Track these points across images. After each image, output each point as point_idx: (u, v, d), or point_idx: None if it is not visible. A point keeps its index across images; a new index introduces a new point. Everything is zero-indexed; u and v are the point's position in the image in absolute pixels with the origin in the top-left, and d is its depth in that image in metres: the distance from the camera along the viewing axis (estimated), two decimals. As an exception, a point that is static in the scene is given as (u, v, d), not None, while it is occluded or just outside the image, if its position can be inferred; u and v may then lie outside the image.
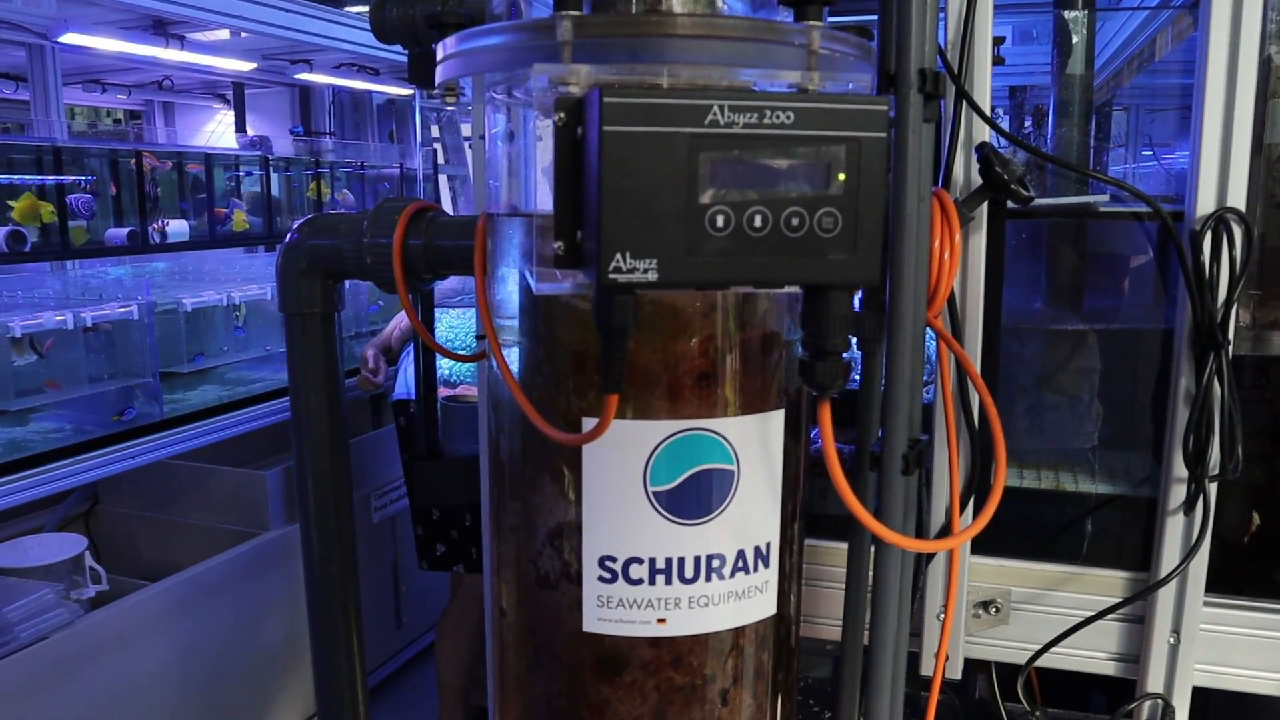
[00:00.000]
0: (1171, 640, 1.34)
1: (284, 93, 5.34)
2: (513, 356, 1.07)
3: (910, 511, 1.14)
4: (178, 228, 3.48)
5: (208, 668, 3.03)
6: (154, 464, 3.06)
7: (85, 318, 2.66)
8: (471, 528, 3.03)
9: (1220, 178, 1.22)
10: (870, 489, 1.14)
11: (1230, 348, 1.23)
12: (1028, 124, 2.97)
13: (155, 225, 3.44)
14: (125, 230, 3.26)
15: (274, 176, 4.09)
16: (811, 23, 0.87)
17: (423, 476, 1.59)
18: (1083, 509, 1.45)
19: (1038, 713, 1.43)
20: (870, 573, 1.18)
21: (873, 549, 1.18)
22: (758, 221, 0.76)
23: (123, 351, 2.86)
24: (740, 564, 1.01)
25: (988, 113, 1.24)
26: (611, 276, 0.76)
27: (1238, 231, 1.21)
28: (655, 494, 0.98)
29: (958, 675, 1.42)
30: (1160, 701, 1.35)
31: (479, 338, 1.15)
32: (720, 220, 0.76)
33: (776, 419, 1.02)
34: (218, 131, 5.92)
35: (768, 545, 1.03)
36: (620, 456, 0.97)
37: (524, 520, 1.06)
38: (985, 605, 1.41)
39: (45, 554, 2.97)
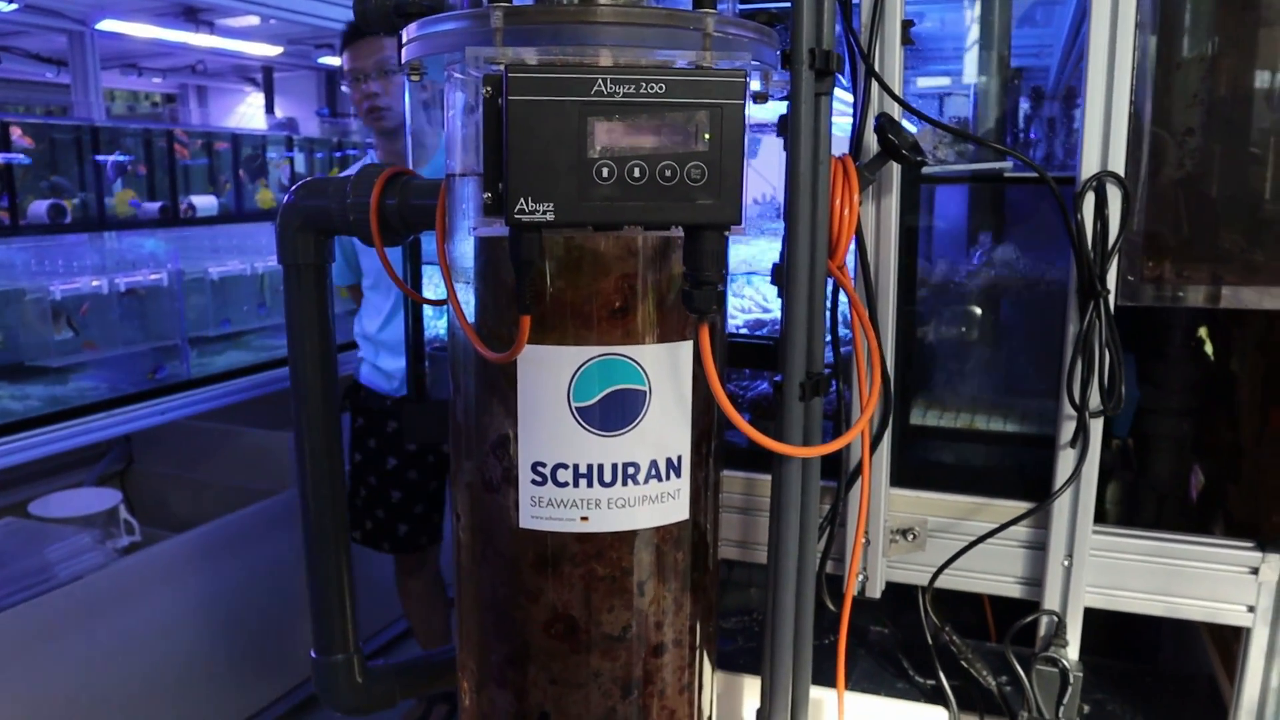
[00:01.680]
0: (1065, 563, 1.50)
1: (311, 76, 5.55)
2: (470, 298, 1.25)
3: (814, 435, 1.31)
4: (206, 203, 3.70)
5: (231, 613, 3.25)
6: (184, 426, 3.29)
7: (120, 284, 2.88)
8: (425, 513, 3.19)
9: (1102, 144, 1.37)
10: (796, 418, 1.30)
11: (1110, 297, 1.39)
12: (1024, 104, 3.10)
13: (184, 206, 3.66)
14: (157, 205, 3.48)
15: (300, 156, 4.31)
16: (707, 10, 1.05)
17: (411, 417, 1.77)
18: (992, 445, 1.62)
19: (946, 628, 1.60)
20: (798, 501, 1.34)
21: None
22: (637, 173, 0.94)
23: (154, 316, 3.09)
24: (654, 472, 1.19)
25: (897, 90, 1.41)
26: (517, 217, 0.94)
27: (1116, 193, 1.37)
28: (578, 409, 1.15)
29: (877, 595, 1.59)
30: (1055, 617, 1.51)
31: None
32: (605, 172, 0.94)
33: (685, 348, 1.19)
34: (248, 114, 6.15)
35: (679, 458, 1.21)
36: (548, 377, 1.15)
37: (475, 437, 1.25)
38: (904, 532, 1.58)
39: (83, 506, 3.21)
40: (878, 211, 1.44)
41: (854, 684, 1.76)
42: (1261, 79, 1.43)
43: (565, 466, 1.17)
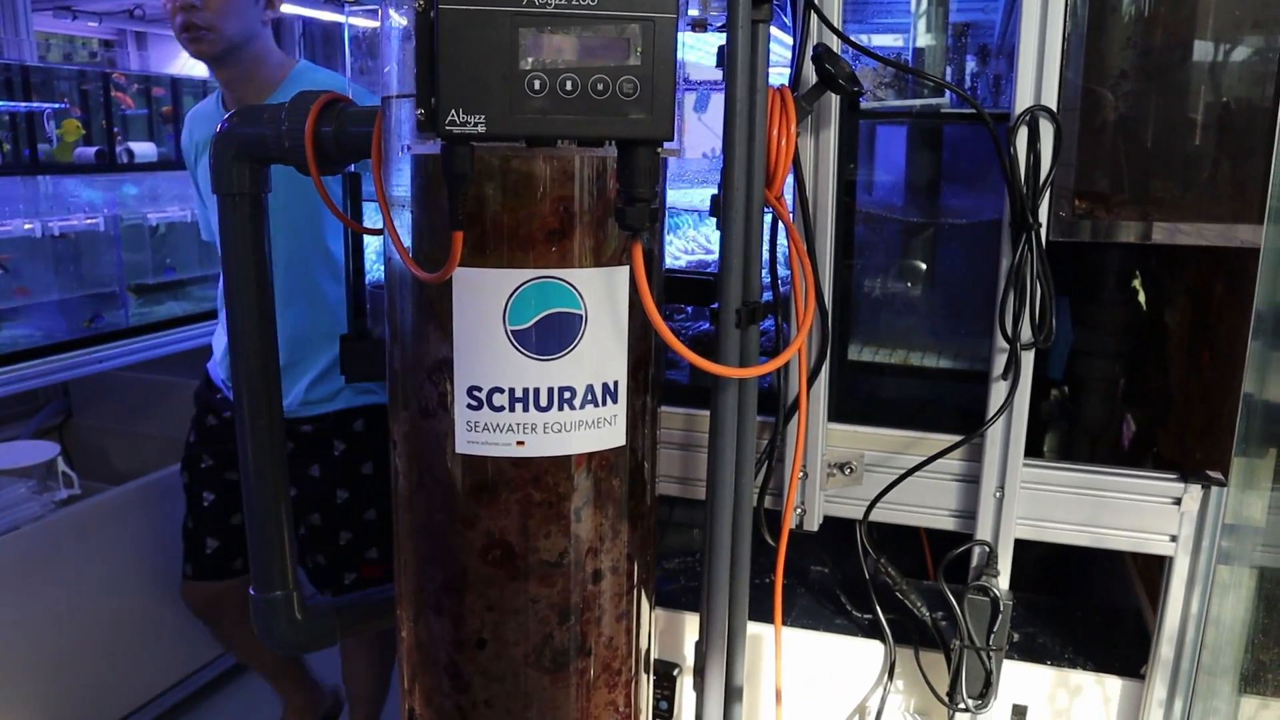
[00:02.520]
0: (997, 495, 1.53)
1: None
2: (408, 225, 1.24)
3: (749, 360, 1.32)
4: (145, 149, 3.63)
5: (172, 567, 3.21)
6: (123, 378, 3.23)
7: (53, 227, 2.82)
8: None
9: (1036, 79, 1.39)
10: (733, 344, 1.31)
11: (1043, 231, 1.41)
12: (971, 61, 3.12)
13: (120, 151, 3.58)
14: (93, 150, 3.40)
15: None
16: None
17: (350, 354, 1.76)
18: (928, 381, 1.64)
19: (882, 560, 1.63)
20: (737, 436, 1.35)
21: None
22: (569, 85, 0.94)
23: (91, 262, 3.03)
24: (590, 397, 1.20)
25: (836, 23, 1.41)
26: (448, 128, 0.93)
27: (1048, 128, 1.39)
28: (514, 333, 1.15)
29: (814, 527, 1.61)
30: (986, 547, 1.54)
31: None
32: (537, 84, 0.93)
33: (622, 274, 1.19)
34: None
35: (615, 383, 1.21)
36: (484, 301, 1.15)
37: (412, 363, 1.24)
38: (841, 467, 1.60)
39: (20, 458, 3.14)
40: (816, 145, 1.45)
41: (793, 620, 1.79)
42: (1194, 27, 1.45)
43: (501, 390, 1.17)
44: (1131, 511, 1.51)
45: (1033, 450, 1.54)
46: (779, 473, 1.57)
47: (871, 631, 1.73)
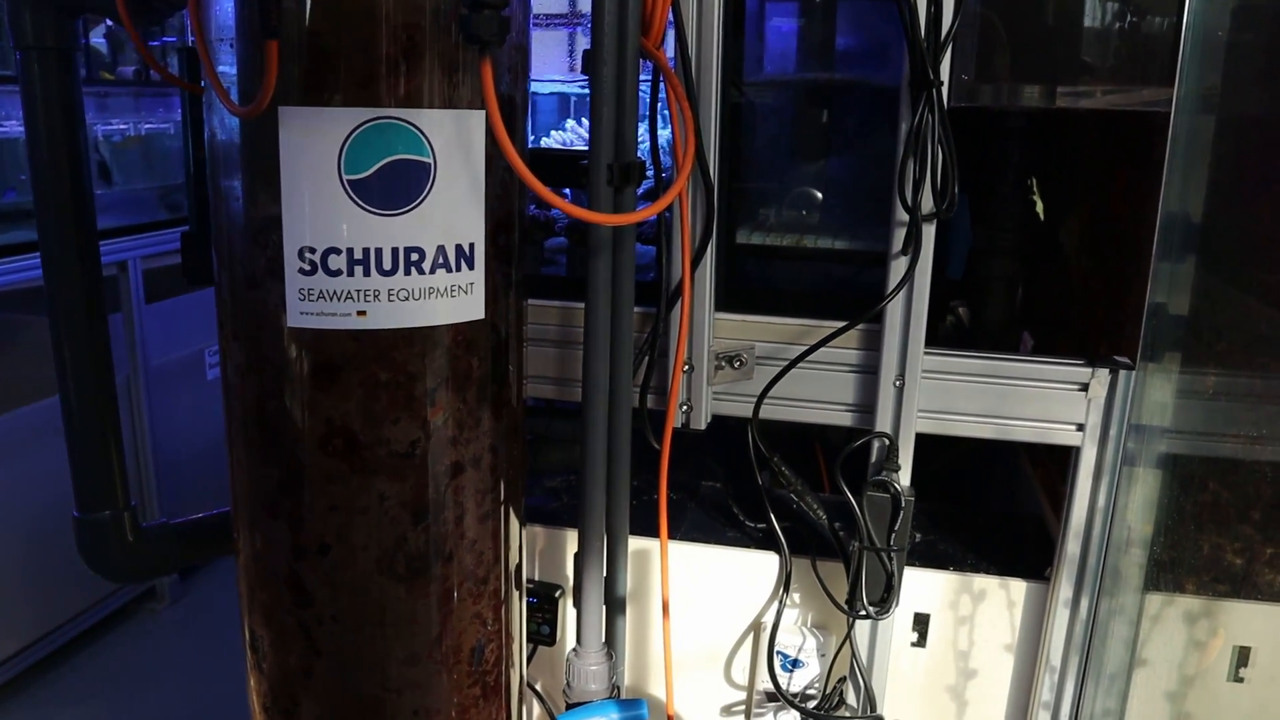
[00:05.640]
0: (897, 384, 1.42)
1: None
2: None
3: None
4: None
5: (25, 518, 2.98)
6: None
7: None
8: None
9: (938, -76, 1.27)
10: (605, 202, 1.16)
11: (944, 90, 1.29)
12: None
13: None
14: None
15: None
16: None
17: (193, 252, 1.57)
18: (820, 264, 1.52)
19: (775, 458, 1.51)
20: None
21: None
22: None
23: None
24: (441, 260, 1.04)
25: None
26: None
27: (950, -22, 1.27)
28: (350, 183, 0.99)
29: (702, 426, 1.48)
30: (886, 440, 1.44)
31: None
32: None
33: (478, 118, 1.04)
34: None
35: (471, 246, 1.06)
36: (315, 144, 0.98)
37: (236, 222, 1.07)
38: (730, 359, 1.48)
39: None
40: (699, -2, 1.30)
41: (684, 534, 1.67)
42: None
43: (338, 252, 1.01)
44: (1037, 400, 1.42)
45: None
46: (662, 368, 1.44)
47: (766, 543, 1.62)
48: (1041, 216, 1.90)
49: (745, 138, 1.49)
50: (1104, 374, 1.39)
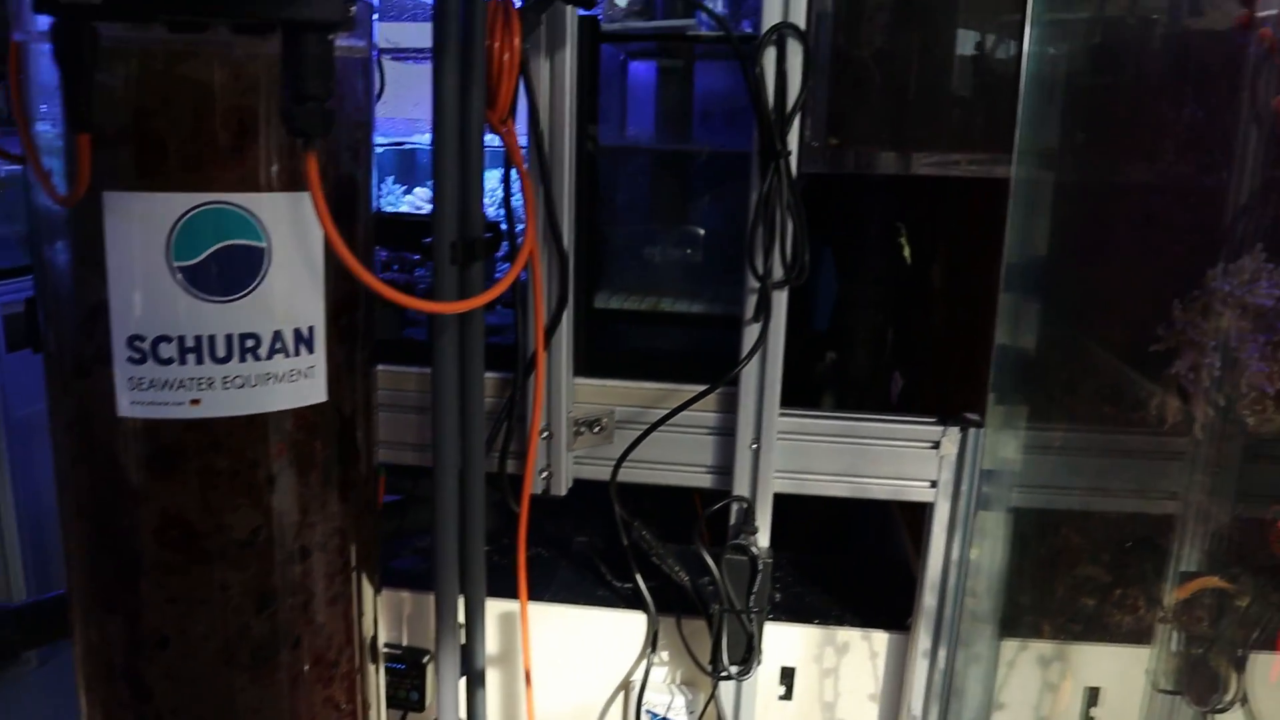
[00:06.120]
0: (753, 447, 1.44)
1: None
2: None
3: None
4: None
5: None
6: None
7: None
8: None
9: (784, -7, 1.29)
10: (450, 282, 1.15)
11: (792, 159, 1.32)
12: None
13: None
14: None
15: None
16: None
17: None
18: (680, 329, 1.54)
19: (636, 523, 1.52)
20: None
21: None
22: (209, -49, 0.76)
23: None
24: (278, 345, 1.02)
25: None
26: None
27: (797, 48, 1.29)
28: (181, 269, 0.97)
29: (563, 491, 1.48)
30: (744, 504, 1.45)
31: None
32: (167, -53, 0.75)
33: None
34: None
35: (310, 329, 1.04)
36: (143, 230, 0.96)
37: (62, 312, 1.03)
38: (590, 424, 1.48)
39: None
40: (551, 67, 1.31)
41: (554, 595, 1.66)
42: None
43: (169, 340, 0.98)
44: (891, 459, 1.45)
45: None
46: (521, 433, 1.44)
47: (634, 602, 1.62)
48: (909, 261, 1.94)
49: (603, 203, 1.50)
50: (954, 432, 1.43)
